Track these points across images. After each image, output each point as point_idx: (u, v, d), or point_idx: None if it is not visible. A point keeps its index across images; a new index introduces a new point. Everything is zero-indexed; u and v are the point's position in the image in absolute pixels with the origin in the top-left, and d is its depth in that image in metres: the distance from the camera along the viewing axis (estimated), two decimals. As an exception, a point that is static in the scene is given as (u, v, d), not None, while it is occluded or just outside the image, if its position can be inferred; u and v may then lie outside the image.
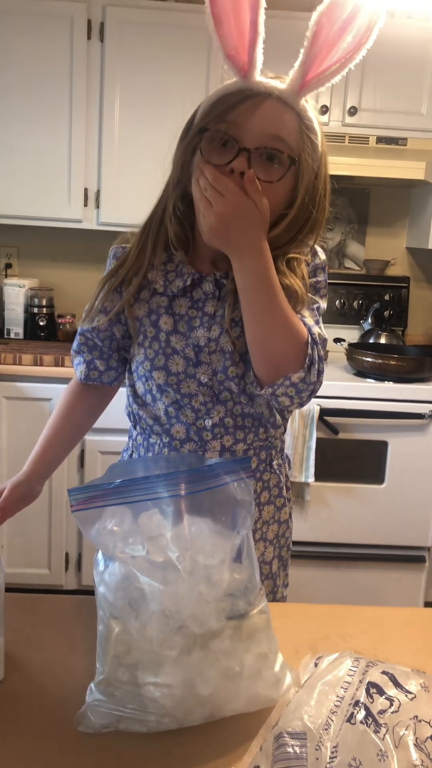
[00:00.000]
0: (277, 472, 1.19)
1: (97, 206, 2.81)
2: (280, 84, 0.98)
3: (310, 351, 1.00)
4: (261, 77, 0.99)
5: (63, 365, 2.62)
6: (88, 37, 2.68)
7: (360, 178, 2.92)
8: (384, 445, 2.65)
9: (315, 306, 1.09)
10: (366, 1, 0.94)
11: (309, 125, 1.00)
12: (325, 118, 2.77)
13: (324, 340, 1.05)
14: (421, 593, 2.76)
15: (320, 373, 1.02)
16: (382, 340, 3.06)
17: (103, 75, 2.71)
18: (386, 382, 2.66)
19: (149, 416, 1.15)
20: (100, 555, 0.83)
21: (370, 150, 2.80)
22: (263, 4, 0.94)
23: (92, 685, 0.80)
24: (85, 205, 2.81)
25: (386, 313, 3.15)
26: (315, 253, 1.12)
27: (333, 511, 2.68)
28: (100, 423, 2.66)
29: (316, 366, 1.01)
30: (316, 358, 1.01)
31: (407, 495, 2.69)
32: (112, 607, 0.79)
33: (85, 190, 2.79)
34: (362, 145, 2.79)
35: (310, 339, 1.01)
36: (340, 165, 2.77)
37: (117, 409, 2.69)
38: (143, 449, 1.18)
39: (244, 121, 0.97)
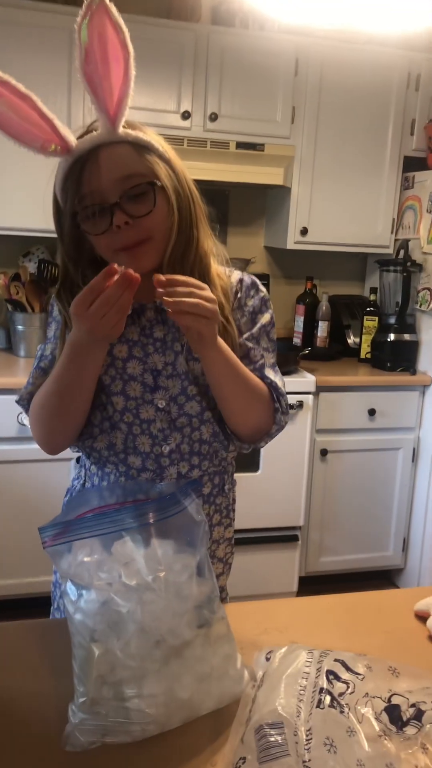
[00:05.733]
0: (228, 495, 1.28)
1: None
2: (96, 132, 1.05)
3: (277, 404, 1.16)
4: (78, 140, 1.05)
5: None
6: None
7: (220, 180, 3.04)
8: (257, 435, 2.82)
9: (273, 350, 1.22)
10: (103, 25, 0.99)
11: (142, 143, 1.07)
12: (187, 123, 2.86)
13: (284, 385, 1.20)
14: (295, 569, 2.99)
15: (286, 414, 1.19)
16: (248, 335, 3.22)
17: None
18: (257, 376, 2.82)
19: (104, 446, 1.17)
20: (70, 585, 0.88)
21: (230, 155, 2.93)
22: (38, 99, 1.01)
23: (73, 706, 0.86)
24: None
25: (249, 309, 3.31)
26: (257, 287, 1.22)
27: (213, 501, 2.82)
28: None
29: (286, 413, 1.18)
30: (284, 406, 1.18)
31: (280, 480, 2.88)
32: (92, 631, 0.85)
33: None
34: (223, 150, 2.91)
35: (274, 395, 1.16)
36: (202, 170, 2.88)
37: None
38: (97, 478, 1.22)
39: (96, 183, 1.03)
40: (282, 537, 2.94)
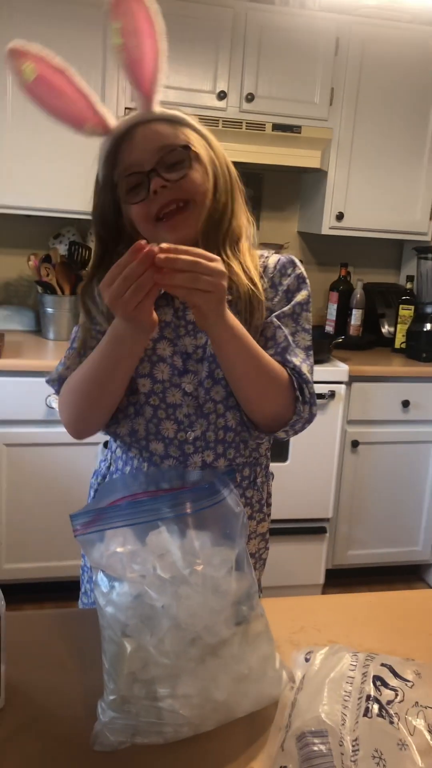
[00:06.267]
0: (260, 489, 1.22)
1: (-10, 187, 2.69)
2: (134, 112, 1.08)
3: (298, 394, 1.08)
4: (117, 119, 1.07)
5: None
6: (-25, 7, 2.53)
7: (255, 163, 2.97)
8: (287, 424, 2.76)
9: (306, 331, 1.14)
10: (131, 4, 1.01)
11: (176, 119, 1.08)
12: (222, 104, 2.79)
13: (311, 371, 1.12)
14: (322, 562, 2.93)
15: (312, 406, 1.10)
16: (279, 323, 3.16)
17: (-8, 48, 2.57)
18: (288, 364, 2.76)
19: (126, 433, 1.13)
20: (101, 576, 0.84)
21: (266, 137, 2.86)
22: (74, 73, 1.03)
23: (102, 703, 0.81)
24: (-23, 186, 2.67)
25: (281, 296, 3.24)
26: (294, 264, 1.16)
27: (241, 491, 2.77)
28: (5, 414, 2.59)
29: (308, 403, 1.09)
30: (307, 395, 1.09)
31: (309, 471, 2.82)
32: (124, 626, 0.80)
33: (-24, 170, 2.66)
34: (259, 131, 2.84)
35: (295, 382, 1.08)
36: (237, 152, 2.81)
37: (28, 400, 2.62)
38: (122, 462, 1.18)
39: (133, 157, 1.05)
40: (310, 528, 2.88)
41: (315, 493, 2.86)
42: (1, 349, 2.60)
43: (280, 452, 2.78)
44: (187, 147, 1.05)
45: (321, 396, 2.74)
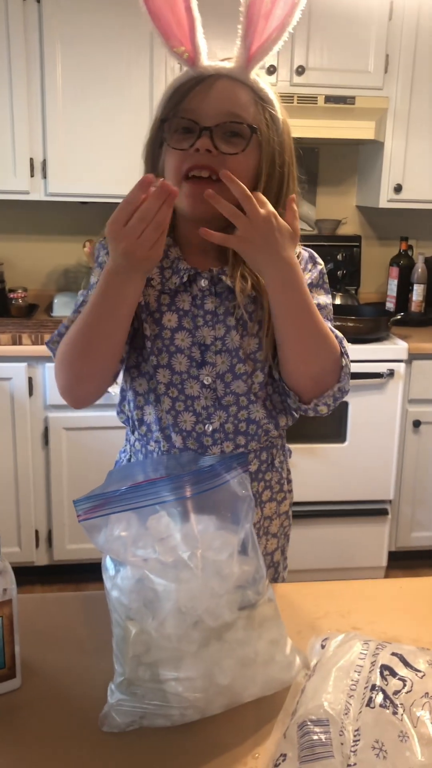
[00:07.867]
0: (279, 469, 1.20)
1: (44, 176, 2.73)
2: (229, 63, 1.01)
3: (344, 362, 1.05)
4: (209, 61, 1.01)
5: (20, 343, 2.58)
6: (24, -3, 2.56)
7: (308, 137, 2.90)
8: (344, 404, 2.71)
9: (332, 316, 1.13)
10: None
11: (263, 96, 1.02)
12: (272, 79, 2.73)
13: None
14: (384, 544, 2.87)
15: (349, 376, 1.07)
16: (337, 301, 3.09)
17: (42, 37, 2.60)
18: (345, 343, 2.70)
19: (149, 418, 1.12)
20: (108, 560, 0.84)
21: (318, 110, 2.78)
22: None
23: (112, 685, 0.82)
24: (32, 175, 2.72)
25: (339, 273, 3.18)
26: (314, 260, 1.14)
27: (299, 471, 2.70)
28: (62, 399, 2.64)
29: (348, 375, 1.06)
30: (349, 367, 1.07)
31: (368, 452, 2.77)
32: (128, 609, 0.80)
33: (31, 160, 2.70)
34: (311, 104, 2.76)
35: (342, 349, 1.05)
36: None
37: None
38: (141, 456, 1.17)
39: (200, 104, 0.99)
40: (371, 510, 2.83)
41: (375, 475, 2.80)
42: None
43: (338, 433, 2.74)
44: (254, 130, 0.99)
45: (379, 375, 2.68)
